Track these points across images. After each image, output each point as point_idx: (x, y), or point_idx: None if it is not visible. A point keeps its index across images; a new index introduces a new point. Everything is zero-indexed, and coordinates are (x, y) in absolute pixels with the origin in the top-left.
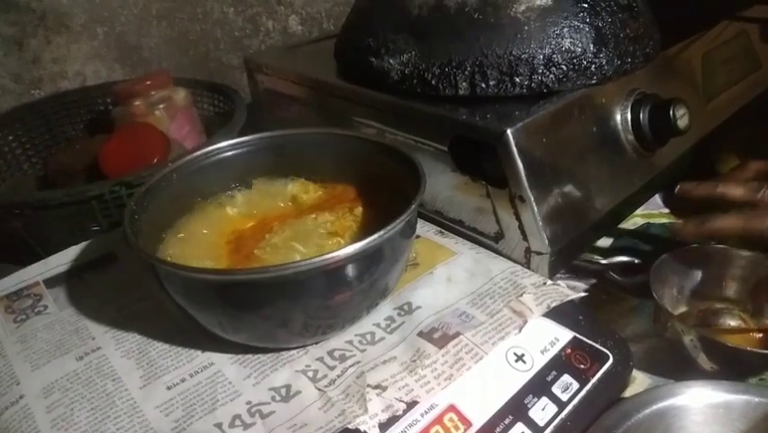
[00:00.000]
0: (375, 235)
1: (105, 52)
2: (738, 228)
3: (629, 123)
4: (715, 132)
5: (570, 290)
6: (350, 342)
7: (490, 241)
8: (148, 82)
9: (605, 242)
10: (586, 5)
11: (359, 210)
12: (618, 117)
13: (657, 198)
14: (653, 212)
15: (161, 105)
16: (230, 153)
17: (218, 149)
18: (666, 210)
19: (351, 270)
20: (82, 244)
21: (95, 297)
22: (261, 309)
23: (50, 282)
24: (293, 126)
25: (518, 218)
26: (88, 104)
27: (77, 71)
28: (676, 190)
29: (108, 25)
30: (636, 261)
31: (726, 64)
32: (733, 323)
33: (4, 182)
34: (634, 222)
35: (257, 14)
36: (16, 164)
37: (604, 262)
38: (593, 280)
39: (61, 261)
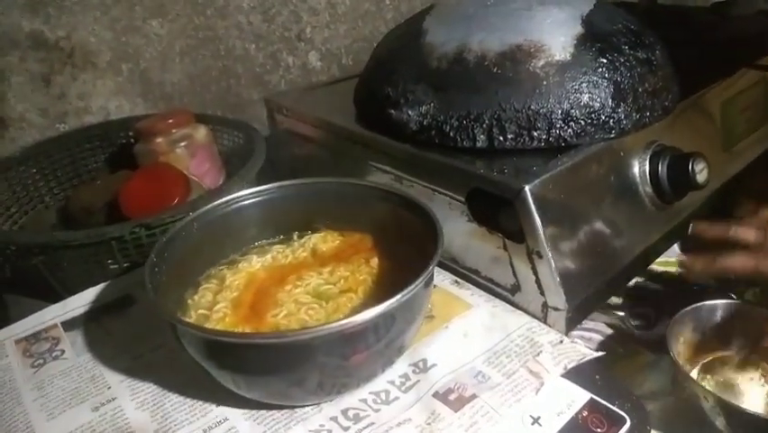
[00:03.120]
0: (392, 300)
1: (128, 88)
2: (749, 268)
3: (648, 175)
4: (733, 180)
5: (587, 348)
6: (364, 400)
7: (507, 292)
8: (170, 120)
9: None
10: (605, 60)
11: (374, 262)
12: (636, 170)
13: (675, 246)
14: (669, 259)
15: (183, 143)
16: (250, 201)
17: (239, 197)
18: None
19: (368, 332)
20: (100, 286)
21: (111, 343)
22: (277, 371)
23: (68, 325)
24: (310, 167)
25: (535, 273)
26: (111, 138)
27: (100, 106)
28: (690, 230)
29: (133, 62)
30: (653, 312)
31: (745, 112)
32: (753, 378)
33: (26, 215)
34: (650, 268)
35: (277, 51)
36: (38, 197)
37: (620, 314)
38: (608, 332)
39: (79, 303)
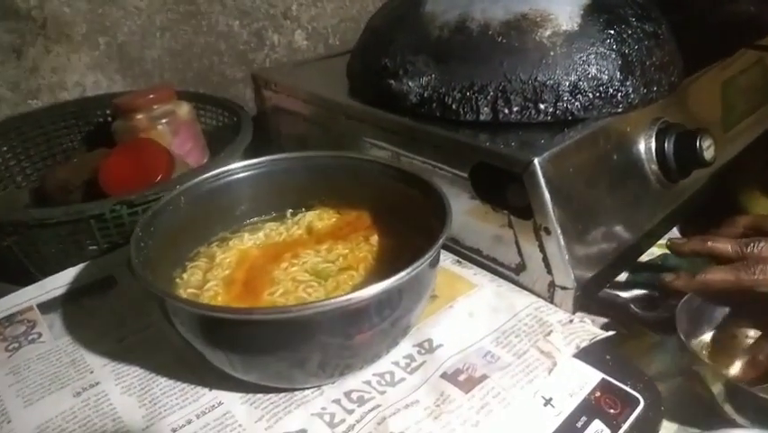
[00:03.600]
0: (401, 274)
1: (105, 63)
2: (728, 282)
3: (653, 152)
4: (733, 161)
5: (597, 328)
6: (368, 382)
7: (510, 272)
8: (151, 95)
9: (622, 275)
10: (612, 32)
11: (374, 239)
12: (642, 147)
13: (675, 230)
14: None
15: (164, 120)
16: (241, 175)
17: (228, 171)
18: (684, 241)
19: (373, 309)
20: (79, 267)
21: (93, 325)
22: (276, 350)
23: (45, 307)
24: (301, 145)
25: (543, 251)
26: (87, 116)
27: (76, 82)
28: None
29: (110, 36)
30: (656, 294)
31: (745, 93)
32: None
33: None
34: (651, 253)
35: (263, 28)
36: (9, 176)
37: (624, 295)
38: (611, 313)
39: (57, 283)
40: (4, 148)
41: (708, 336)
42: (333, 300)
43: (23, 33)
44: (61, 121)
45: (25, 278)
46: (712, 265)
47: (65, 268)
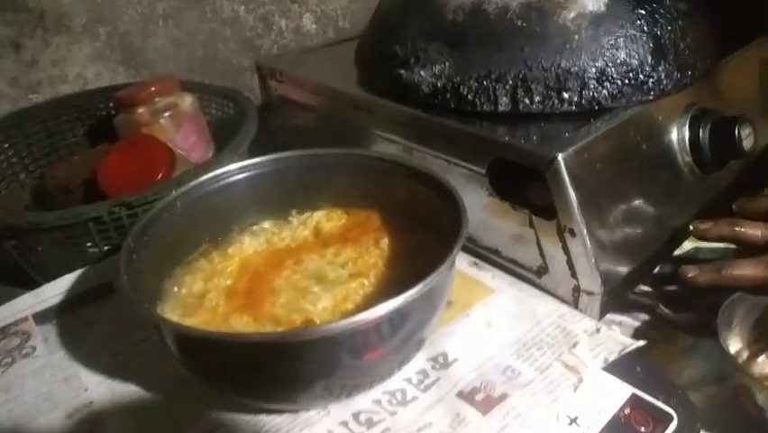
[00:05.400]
0: (413, 291)
1: (107, 54)
2: (758, 278)
3: (687, 142)
4: None
5: (626, 337)
6: (378, 402)
7: (532, 275)
8: (152, 88)
9: None
10: (643, 12)
11: (384, 242)
12: (675, 136)
13: None
14: None
15: (167, 113)
16: (242, 176)
17: (229, 171)
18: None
19: (384, 326)
20: (77, 273)
21: (89, 337)
22: (278, 374)
23: (41, 318)
24: (308, 137)
25: (567, 253)
26: (90, 109)
27: (77, 74)
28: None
29: (111, 25)
30: (688, 292)
31: None
32: None
33: None
34: (681, 247)
35: (269, 13)
36: (12, 174)
37: (652, 293)
38: (641, 315)
39: (54, 291)
40: (6, 145)
41: (747, 339)
42: (339, 323)
43: (21, 26)
44: (63, 115)
45: (26, 280)
46: (740, 258)
47: (65, 271)
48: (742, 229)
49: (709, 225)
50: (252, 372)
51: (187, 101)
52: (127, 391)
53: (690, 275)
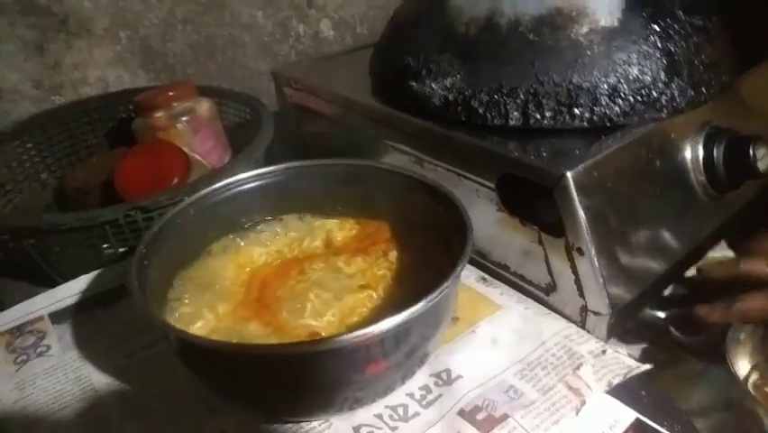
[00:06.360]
0: (416, 307)
1: (128, 58)
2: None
3: (701, 161)
4: None
5: (632, 360)
6: (379, 416)
7: (540, 292)
8: (171, 93)
9: None
10: (657, 28)
11: (393, 255)
12: (689, 155)
13: (723, 243)
14: (715, 255)
15: (184, 118)
16: (255, 184)
17: (242, 180)
18: (732, 254)
19: (387, 342)
20: (93, 274)
21: (102, 338)
22: (281, 385)
23: (56, 317)
24: (322, 144)
25: (575, 272)
26: (110, 111)
27: (98, 77)
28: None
29: (131, 29)
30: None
31: None
32: None
33: (21, 193)
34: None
35: (287, 18)
36: (34, 174)
37: (663, 315)
38: (649, 337)
39: (70, 292)
40: (29, 145)
41: (755, 363)
42: (344, 337)
43: (45, 29)
44: (84, 117)
45: (44, 279)
46: (750, 293)
47: (83, 271)
48: (748, 267)
49: (715, 264)
50: (256, 382)
51: (204, 106)
52: (135, 393)
53: (702, 313)
